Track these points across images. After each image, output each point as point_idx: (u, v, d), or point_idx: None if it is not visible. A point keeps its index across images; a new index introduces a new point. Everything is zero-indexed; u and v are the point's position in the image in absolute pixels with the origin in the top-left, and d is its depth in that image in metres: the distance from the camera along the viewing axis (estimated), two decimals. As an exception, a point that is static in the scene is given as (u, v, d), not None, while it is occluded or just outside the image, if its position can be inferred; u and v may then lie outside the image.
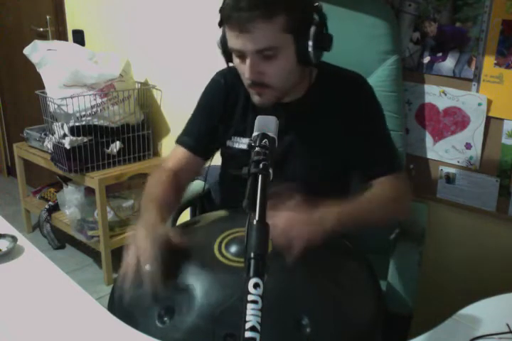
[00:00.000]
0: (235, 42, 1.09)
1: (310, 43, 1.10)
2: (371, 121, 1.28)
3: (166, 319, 0.92)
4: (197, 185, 1.63)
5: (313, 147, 1.25)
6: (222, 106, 1.31)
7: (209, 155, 1.36)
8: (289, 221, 0.99)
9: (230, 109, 1.30)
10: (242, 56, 1.11)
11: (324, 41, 1.13)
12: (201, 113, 1.36)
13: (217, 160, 1.39)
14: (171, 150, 1.38)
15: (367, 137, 1.25)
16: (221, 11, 1.11)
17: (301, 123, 1.25)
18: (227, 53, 1.18)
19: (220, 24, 1.17)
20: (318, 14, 1.13)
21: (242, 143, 1.29)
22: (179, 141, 1.36)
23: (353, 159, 1.26)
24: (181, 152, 1.33)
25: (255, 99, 1.19)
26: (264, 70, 1.11)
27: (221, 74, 1.34)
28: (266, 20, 1.05)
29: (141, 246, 1.00)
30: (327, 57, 1.35)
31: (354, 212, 1.10)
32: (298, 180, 1.24)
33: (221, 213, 1.30)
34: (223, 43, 1.16)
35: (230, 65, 1.23)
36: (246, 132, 1.28)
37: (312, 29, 1.10)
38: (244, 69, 1.12)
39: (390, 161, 1.29)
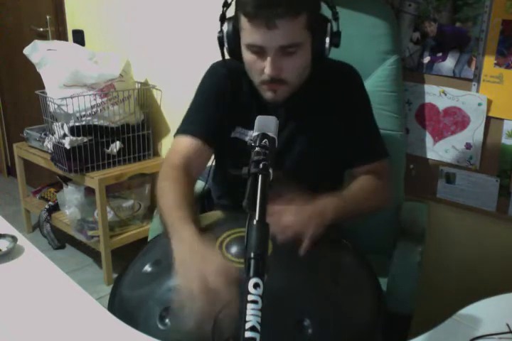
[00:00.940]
0: (258, 38, 1.08)
1: (327, 40, 1.13)
2: (360, 109, 1.29)
3: (167, 320, 0.92)
4: (197, 185, 1.63)
5: (311, 139, 1.26)
6: (228, 95, 1.26)
7: (216, 146, 1.27)
8: (293, 215, 1.02)
9: (234, 99, 1.27)
10: (260, 53, 1.11)
11: (337, 38, 1.16)
12: (206, 100, 1.28)
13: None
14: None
15: (356, 125, 1.27)
16: (239, 6, 1.09)
17: (299, 115, 1.26)
18: (234, 49, 1.16)
19: (223, 19, 1.16)
20: (332, 11, 1.16)
21: (247, 136, 1.26)
22: (184, 131, 1.26)
23: (345, 146, 1.27)
24: (188, 142, 1.23)
25: (268, 95, 1.18)
26: (283, 66, 1.11)
27: (221, 64, 1.29)
28: (293, 17, 1.06)
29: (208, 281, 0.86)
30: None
31: (348, 204, 1.14)
32: (296, 171, 1.25)
33: (222, 213, 1.30)
34: (232, 39, 1.15)
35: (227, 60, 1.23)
36: (251, 125, 1.26)
37: (329, 26, 1.13)
38: (263, 66, 1.11)
39: (376, 148, 1.31)
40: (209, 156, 1.27)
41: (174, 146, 1.26)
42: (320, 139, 1.26)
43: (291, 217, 1.02)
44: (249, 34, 1.09)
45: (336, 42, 1.16)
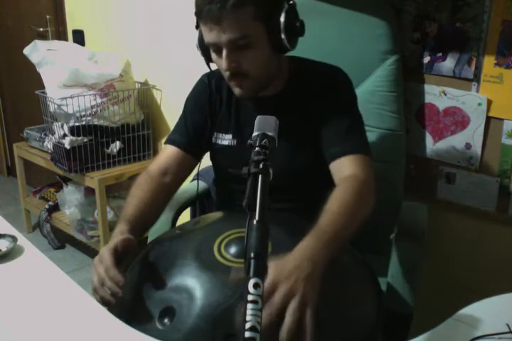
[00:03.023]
0: (209, 35, 1.11)
1: (281, 30, 1.13)
2: (339, 103, 1.25)
3: (166, 320, 0.92)
4: (196, 185, 1.63)
5: (295, 138, 1.26)
6: (208, 104, 1.32)
7: (200, 155, 1.35)
8: (276, 275, 0.83)
9: (214, 108, 1.32)
10: (219, 50, 1.13)
11: (296, 27, 1.15)
12: (190, 112, 1.36)
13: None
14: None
15: (333, 117, 1.23)
16: (195, 10, 1.13)
17: (282, 116, 1.25)
18: (206, 53, 1.21)
19: (198, 26, 1.19)
20: (287, 1, 1.15)
21: (225, 140, 1.31)
22: (169, 141, 1.34)
23: (322, 141, 1.23)
24: (171, 151, 1.32)
25: (236, 91, 1.20)
26: (240, 60, 1.13)
27: (206, 75, 1.37)
28: (236, 10, 1.07)
29: (100, 262, 1.03)
30: (327, 56, 1.35)
31: (336, 230, 0.97)
32: (282, 172, 1.24)
33: (221, 214, 1.30)
34: (201, 43, 1.19)
35: (211, 66, 1.27)
36: (229, 129, 1.31)
37: (282, 16, 1.12)
38: (222, 62, 1.14)
39: (353, 141, 1.21)
40: (191, 165, 1.34)
41: (160, 154, 1.36)
42: (302, 136, 1.26)
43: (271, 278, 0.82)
44: (204, 34, 1.13)
45: (296, 32, 1.15)
